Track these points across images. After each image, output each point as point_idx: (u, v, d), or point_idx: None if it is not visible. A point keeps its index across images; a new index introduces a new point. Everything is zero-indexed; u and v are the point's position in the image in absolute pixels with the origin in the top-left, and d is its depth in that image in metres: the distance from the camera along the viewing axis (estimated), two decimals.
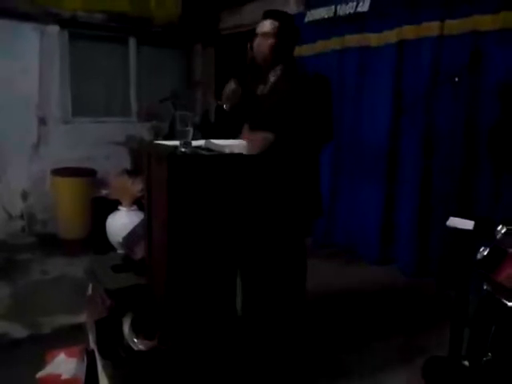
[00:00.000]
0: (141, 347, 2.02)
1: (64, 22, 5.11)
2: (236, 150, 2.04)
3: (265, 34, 2.31)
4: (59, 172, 4.89)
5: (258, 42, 2.34)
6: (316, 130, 2.25)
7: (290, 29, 2.36)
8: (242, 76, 2.45)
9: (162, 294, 2.09)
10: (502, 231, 1.73)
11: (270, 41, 2.31)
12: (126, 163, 4.87)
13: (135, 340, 2.03)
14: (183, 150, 2.00)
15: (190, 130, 2.01)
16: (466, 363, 2.05)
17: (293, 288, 2.46)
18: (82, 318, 2.92)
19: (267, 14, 2.35)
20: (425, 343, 2.81)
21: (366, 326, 3.12)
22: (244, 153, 2.03)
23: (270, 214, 2.30)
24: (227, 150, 2.03)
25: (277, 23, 2.30)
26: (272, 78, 2.39)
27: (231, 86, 2.38)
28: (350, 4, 4.11)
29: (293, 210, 2.32)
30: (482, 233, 2.02)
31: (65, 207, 4.91)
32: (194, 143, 2.11)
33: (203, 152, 2.03)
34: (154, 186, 2.17)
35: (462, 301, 2.21)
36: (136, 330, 2.07)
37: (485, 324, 1.92)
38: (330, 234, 4.63)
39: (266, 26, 2.32)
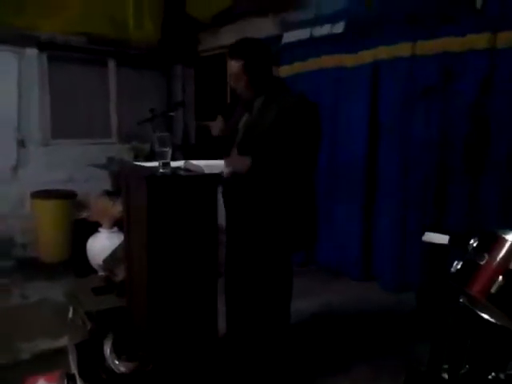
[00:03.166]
0: (122, 369, 2.01)
1: (43, 45, 5.13)
2: (215, 171, 2.07)
3: (234, 75, 2.31)
4: (39, 194, 4.86)
5: (232, 83, 2.35)
6: (299, 160, 2.24)
7: (258, 59, 2.30)
8: (227, 106, 2.46)
9: (142, 315, 2.10)
10: (474, 244, 1.78)
11: (242, 79, 2.29)
12: (107, 185, 4.85)
13: (116, 362, 2.02)
14: (162, 171, 2.02)
15: (169, 150, 2.04)
16: (445, 376, 2.08)
17: (276, 308, 2.46)
18: (62, 342, 2.89)
19: (230, 54, 2.31)
20: (406, 357, 2.83)
21: (347, 343, 3.14)
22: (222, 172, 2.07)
23: (250, 233, 2.31)
24: (206, 171, 2.06)
25: (242, 61, 2.26)
26: (256, 108, 2.37)
27: (218, 123, 2.39)
28: (326, 26, 4.20)
29: (274, 232, 2.32)
30: (458, 247, 2.07)
31: (45, 230, 4.87)
32: (174, 164, 2.14)
33: (182, 173, 2.05)
34: (133, 208, 2.18)
35: (440, 314, 2.25)
36: (117, 352, 2.07)
37: (461, 337, 1.96)
38: (311, 251, 4.65)
39: (233, 66, 2.30)
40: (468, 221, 3.33)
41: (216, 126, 2.40)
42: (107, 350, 2.08)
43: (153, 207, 1.97)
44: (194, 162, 2.13)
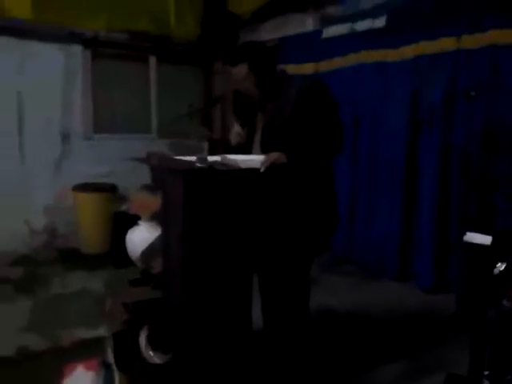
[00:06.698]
0: (156, 360, 2.03)
1: (87, 42, 5.26)
2: (251, 165, 2.06)
3: (243, 80, 2.33)
4: (81, 187, 4.99)
5: (242, 88, 2.37)
6: (325, 143, 2.23)
7: (261, 58, 2.34)
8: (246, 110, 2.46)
9: (177, 308, 2.11)
10: None
11: (251, 81, 2.32)
12: (147, 179, 4.92)
13: (151, 353, 2.05)
14: (199, 165, 2.03)
15: (205, 145, 2.04)
16: (487, 383, 2.00)
17: (294, 302, 2.42)
18: (100, 331, 2.95)
19: (233, 62, 2.34)
20: (444, 361, 2.76)
21: (383, 344, 3.08)
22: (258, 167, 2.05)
23: (283, 227, 2.29)
24: (243, 165, 2.05)
25: (246, 65, 2.30)
26: (270, 106, 2.37)
27: (236, 129, 2.41)
28: (367, 20, 4.13)
29: (308, 224, 2.30)
30: (501, 247, 1.99)
31: (86, 222, 5.00)
32: (210, 158, 2.14)
33: (219, 167, 2.05)
34: (171, 201, 2.20)
35: (481, 318, 2.17)
36: (152, 344, 2.09)
37: (505, 341, 1.88)
38: (349, 249, 4.60)
39: (240, 72, 2.33)
40: None
41: (234, 134, 2.42)
42: (143, 341, 2.11)
43: (189, 201, 1.98)
44: (231, 156, 2.12)
